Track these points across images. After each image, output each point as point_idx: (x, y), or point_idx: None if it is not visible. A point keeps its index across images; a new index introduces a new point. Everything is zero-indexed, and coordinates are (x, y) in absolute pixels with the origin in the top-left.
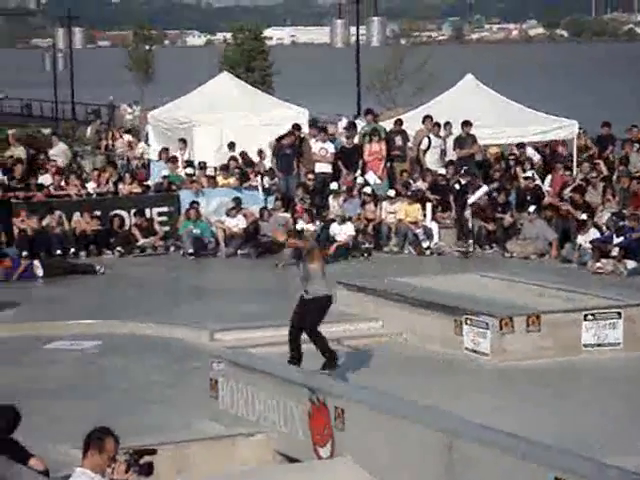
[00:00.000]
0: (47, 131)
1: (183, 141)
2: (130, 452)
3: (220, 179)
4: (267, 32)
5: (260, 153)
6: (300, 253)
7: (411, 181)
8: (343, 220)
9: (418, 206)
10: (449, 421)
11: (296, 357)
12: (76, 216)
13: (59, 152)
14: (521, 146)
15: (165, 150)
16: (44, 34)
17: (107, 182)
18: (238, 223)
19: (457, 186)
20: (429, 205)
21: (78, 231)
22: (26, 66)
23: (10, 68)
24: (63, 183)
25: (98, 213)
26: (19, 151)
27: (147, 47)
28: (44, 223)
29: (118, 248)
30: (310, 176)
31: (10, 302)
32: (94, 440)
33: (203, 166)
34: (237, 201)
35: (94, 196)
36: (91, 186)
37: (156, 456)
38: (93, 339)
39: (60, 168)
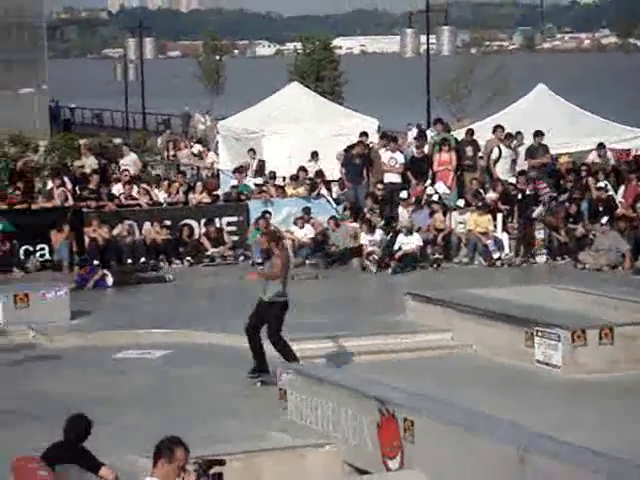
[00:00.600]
0: (118, 141)
1: (252, 151)
2: (199, 462)
3: (289, 189)
4: (337, 42)
5: (313, 156)
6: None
7: (481, 191)
8: (410, 231)
9: (488, 217)
10: (521, 434)
11: (260, 365)
12: (146, 225)
13: (130, 162)
14: (602, 147)
15: (240, 167)
16: (115, 44)
17: (177, 192)
18: (307, 233)
19: (520, 196)
20: (500, 215)
21: (148, 240)
22: (97, 76)
23: (82, 78)
24: (134, 193)
25: (168, 223)
26: (90, 161)
27: (217, 57)
28: (115, 232)
29: (187, 258)
30: (379, 186)
31: (82, 311)
32: (164, 450)
33: (272, 176)
34: (306, 211)
35: (164, 206)
36: (161, 196)
37: (225, 467)
38: (163, 348)
39: (131, 178)
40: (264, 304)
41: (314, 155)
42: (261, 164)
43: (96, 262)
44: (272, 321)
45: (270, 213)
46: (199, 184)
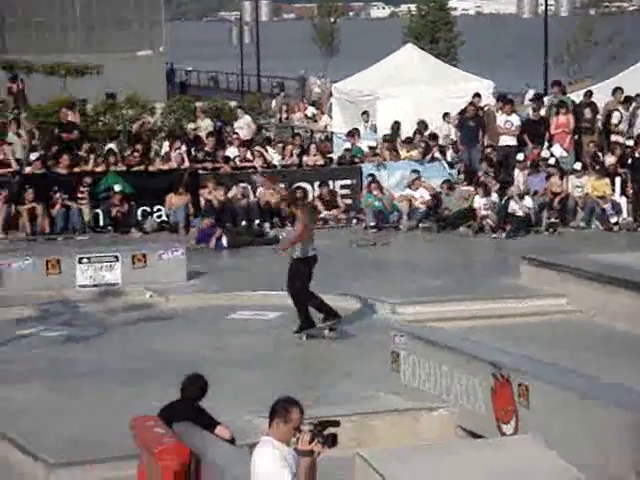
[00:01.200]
0: (233, 104)
1: (366, 114)
2: (314, 423)
3: (403, 152)
4: (452, 3)
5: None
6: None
7: (599, 154)
8: (522, 196)
9: (606, 180)
10: (637, 400)
11: (307, 321)
12: (261, 188)
13: (244, 124)
14: None
15: (354, 130)
16: (232, 7)
17: (291, 154)
18: (422, 195)
19: (630, 161)
20: (618, 179)
21: (262, 203)
22: (213, 39)
23: (198, 41)
24: (249, 155)
25: (282, 185)
26: (205, 123)
27: (331, 19)
28: (230, 195)
29: None
30: (493, 149)
31: (197, 272)
32: (280, 410)
33: (386, 139)
34: (418, 174)
35: (278, 168)
36: (276, 158)
37: (339, 428)
38: (276, 310)
39: (245, 141)
40: (292, 262)
41: (445, 116)
42: (396, 125)
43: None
44: (300, 277)
45: (373, 175)
46: (313, 147)
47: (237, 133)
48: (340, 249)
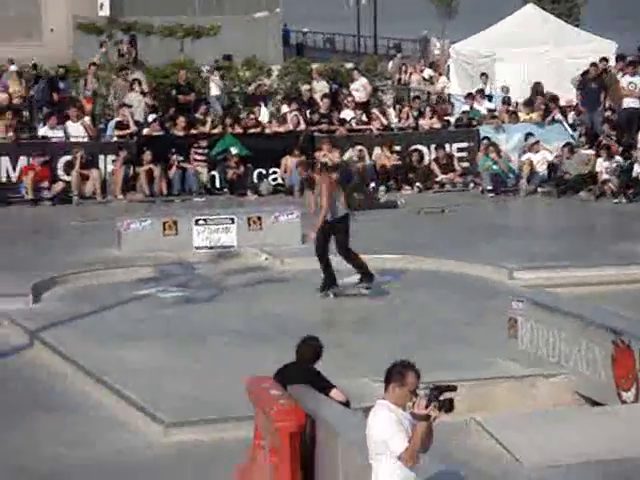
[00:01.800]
0: (349, 66)
1: (485, 75)
2: (431, 387)
3: (522, 114)
4: None
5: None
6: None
7: None
8: None
9: None
10: None
11: (330, 279)
12: (376, 150)
13: (360, 86)
14: None
15: (470, 94)
16: None
17: (407, 117)
18: (541, 159)
19: None
20: None
21: (378, 165)
22: (329, 1)
23: (314, 2)
24: (365, 118)
25: (398, 148)
26: (321, 85)
27: None
28: (345, 157)
29: (417, 183)
30: (615, 112)
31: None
32: (395, 374)
33: (506, 101)
34: (529, 136)
35: (394, 131)
36: (392, 121)
37: (456, 393)
38: (393, 274)
39: (361, 103)
40: (327, 224)
41: (535, 87)
42: (506, 90)
43: None
44: (339, 237)
45: (489, 138)
46: (429, 109)
47: (353, 95)
48: (458, 212)
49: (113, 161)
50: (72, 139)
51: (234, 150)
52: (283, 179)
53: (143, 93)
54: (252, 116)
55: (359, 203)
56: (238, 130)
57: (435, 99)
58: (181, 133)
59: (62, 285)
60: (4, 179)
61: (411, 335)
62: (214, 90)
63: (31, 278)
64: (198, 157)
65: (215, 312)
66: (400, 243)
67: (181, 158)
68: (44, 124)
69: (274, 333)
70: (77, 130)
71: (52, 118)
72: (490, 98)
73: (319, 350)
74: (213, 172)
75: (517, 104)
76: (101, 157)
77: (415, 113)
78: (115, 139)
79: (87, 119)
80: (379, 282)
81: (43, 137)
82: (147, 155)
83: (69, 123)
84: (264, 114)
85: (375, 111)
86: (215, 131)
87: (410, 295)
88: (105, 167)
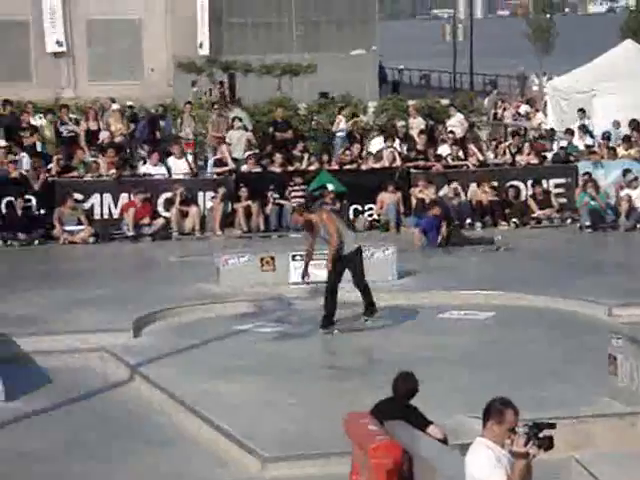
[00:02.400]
0: (445, 102)
1: (582, 111)
2: (530, 425)
3: (621, 150)
4: None
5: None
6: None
7: None
8: None
9: None
10: None
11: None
12: (472, 186)
13: (456, 122)
14: None
15: (569, 130)
16: (445, 4)
17: (504, 152)
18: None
19: None
20: None
21: (474, 202)
22: (426, 37)
23: (410, 39)
24: (461, 154)
25: (495, 183)
26: (418, 121)
27: (547, 15)
28: (441, 193)
29: (513, 219)
30: None
31: (408, 270)
32: (494, 411)
33: (606, 136)
34: (626, 172)
35: (491, 166)
36: (489, 156)
37: (555, 430)
38: (487, 310)
39: (458, 139)
40: (340, 259)
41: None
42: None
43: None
44: (355, 270)
45: (589, 174)
46: (527, 145)
47: (453, 132)
48: (554, 249)
49: (212, 198)
50: (174, 176)
51: (330, 186)
52: (379, 215)
53: (245, 129)
54: (347, 152)
55: (456, 239)
56: (334, 167)
57: (533, 135)
58: (278, 170)
59: (162, 320)
60: (106, 215)
61: (509, 371)
62: (342, 125)
63: (132, 313)
64: (294, 194)
65: (312, 347)
66: (496, 279)
67: (276, 196)
68: (144, 162)
69: (370, 368)
70: (179, 167)
71: (154, 155)
72: (591, 134)
73: (415, 386)
74: None
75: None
76: (200, 194)
77: (514, 149)
78: (214, 176)
79: (190, 156)
80: (479, 319)
81: (144, 174)
82: (244, 192)
83: (171, 160)
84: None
85: (472, 147)
86: (311, 168)
87: (507, 331)
88: (204, 203)
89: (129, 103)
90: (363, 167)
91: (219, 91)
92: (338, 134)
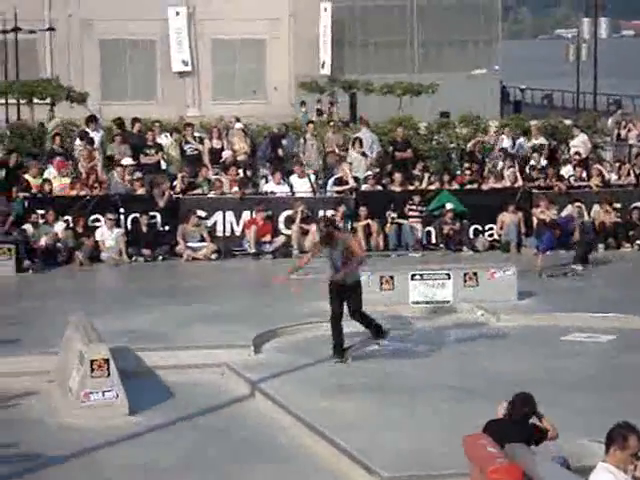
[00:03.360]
0: (568, 122)
1: None
2: None
3: None
4: None
5: None
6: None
7: None
8: None
9: None
10: None
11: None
12: (595, 208)
13: (580, 143)
14: None
15: None
16: (568, 24)
17: (628, 173)
18: None
19: None
20: None
21: (597, 223)
22: (548, 57)
23: (532, 59)
24: (584, 175)
25: (618, 205)
26: (539, 141)
27: None
28: (563, 214)
29: (637, 241)
30: None
31: (528, 291)
32: (617, 436)
33: None
34: None
35: (614, 188)
36: (612, 177)
37: None
38: (610, 333)
39: (581, 159)
40: (342, 287)
41: None
42: None
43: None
44: (352, 301)
45: None
46: None
47: (578, 153)
48: None
49: (332, 216)
50: (296, 194)
51: (449, 206)
52: (499, 235)
53: (364, 154)
54: (467, 172)
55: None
56: (454, 186)
57: None
58: (398, 189)
59: (281, 337)
60: (228, 233)
61: (629, 396)
62: (506, 142)
63: (252, 329)
64: (413, 213)
65: (430, 367)
66: (618, 301)
67: (394, 215)
68: (267, 180)
69: (489, 389)
70: (301, 186)
71: (277, 174)
72: None
73: (533, 408)
74: (429, 227)
75: None
76: (320, 212)
77: (638, 170)
78: (334, 195)
79: (312, 175)
80: (601, 342)
81: (266, 192)
82: (364, 210)
83: (293, 178)
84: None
85: (597, 167)
86: (432, 187)
87: (629, 355)
88: None
89: (253, 121)
90: (484, 187)
91: (328, 111)
92: (501, 148)
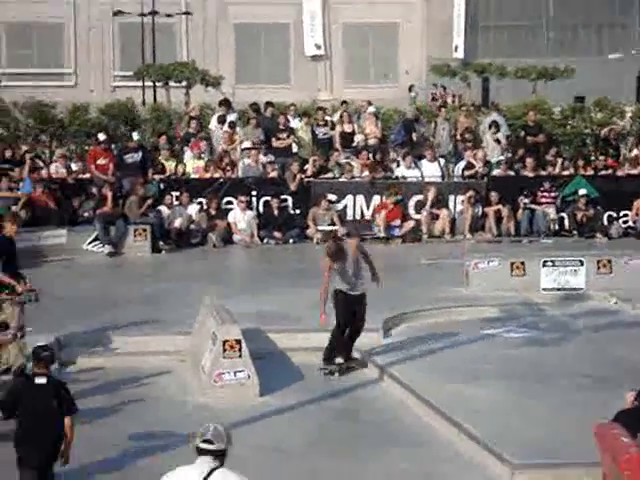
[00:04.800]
0: None
1: None
2: None
3: None
4: None
5: None
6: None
7: None
8: None
9: None
10: None
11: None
12: None
13: None
14: None
15: None
16: None
17: None
18: None
19: None
20: None
21: None
22: None
23: None
24: None
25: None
26: None
27: None
28: None
29: None
30: None
31: None
32: None
33: None
34: None
35: None
36: None
37: None
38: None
39: None
40: (359, 297)
41: None
42: None
43: None
44: (362, 312)
45: None
46: None
47: None
48: None
49: (462, 201)
50: (427, 179)
51: (582, 191)
52: (634, 222)
53: (497, 141)
54: (602, 158)
55: None
56: (589, 172)
57: None
58: (530, 174)
59: (411, 321)
60: (358, 216)
61: None
62: None
63: (382, 313)
64: (544, 199)
65: (562, 354)
66: None
67: (526, 200)
68: (398, 164)
69: (623, 378)
70: (431, 170)
71: (409, 158)
72: None
73: None
74: (562, 213)
75: None
76: (451, 197)
77: None
78: (465, 180)
79: (442, 160)
80: None
81: (397, 177)
82: (495, 196)
83: (424, 163)
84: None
85: None
86: (565, 173)
87: None
88: (454, 207)
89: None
90: (619, 173)
91: (440, 96)
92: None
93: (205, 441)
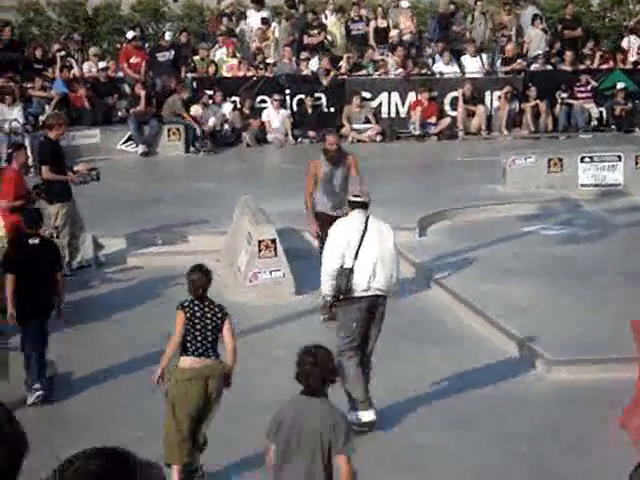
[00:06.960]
0: None
1: None
2: None
3: None
4: None
5: None
6: None
7: None
8: None
9: None
10: None
11: None
12: None
13: None
14: None
15: None
16: None
17: None
18: None
19: None
20: None
21: None
22: None
23: None
24: None
25: None
26: None
27: None
28: None
29: None
30: None
31: None
32: None
33: None
34: None
35: None
36: None
37: None
38: None
39: None
40: (330, 217)
41: None
42: None
43: None
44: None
45: None
46: None
47: None
48: None
49: (499, 97)
50: (467, 75)
51: (620, 85)
52: None
53: (545, 30)
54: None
55: None
56: (628, 65)
57: None
58: (568, 68)
59: (447, 219)
60: (393, 114)
61: None
62: None
63: (418, 212)
64: (581, 94)
65: (599, 251)
66: None
67: (564, 95)
68: (434, 60)
69: None
70: (472, 65)
71: (446, 54)
72: None
73: None
74: (600, 108)
75: None
76: (487, 93)
77: None
78: (502, 75)
79: (484, 55)
80: None
81: (433, 73)
82: (532, 91)
83: (465, 58)
84: None
85: None
86: (604, 66)
87: None
88: (491, 103)
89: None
90: None
91: None
92: None
93: (355, 196)
